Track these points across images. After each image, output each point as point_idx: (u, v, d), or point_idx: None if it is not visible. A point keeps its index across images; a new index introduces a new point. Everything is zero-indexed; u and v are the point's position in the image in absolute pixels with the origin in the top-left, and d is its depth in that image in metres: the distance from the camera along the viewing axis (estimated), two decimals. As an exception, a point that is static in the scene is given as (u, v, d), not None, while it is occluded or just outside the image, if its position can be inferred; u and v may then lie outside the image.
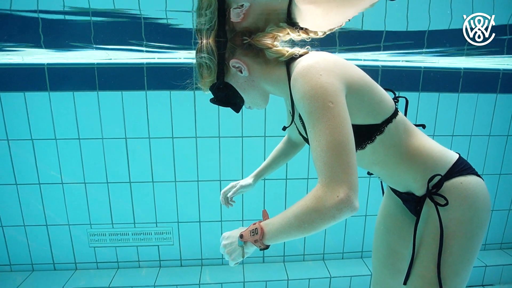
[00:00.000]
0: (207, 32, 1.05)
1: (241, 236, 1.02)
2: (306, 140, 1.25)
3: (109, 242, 2.57)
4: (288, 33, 1.02)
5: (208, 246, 2.66)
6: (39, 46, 2.22)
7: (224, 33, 1.04)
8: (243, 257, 1.02)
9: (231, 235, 1.07)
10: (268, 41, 1.04)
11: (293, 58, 1.03)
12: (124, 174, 2.47)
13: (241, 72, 1.08)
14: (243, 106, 1.21)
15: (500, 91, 2.56)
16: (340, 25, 1.06)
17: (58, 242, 2.55)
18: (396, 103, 1.16)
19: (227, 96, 1.14)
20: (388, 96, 1.08)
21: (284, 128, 1.27)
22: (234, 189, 1.58)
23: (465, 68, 2.51)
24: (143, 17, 2.23)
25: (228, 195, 1.58)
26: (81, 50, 2.28)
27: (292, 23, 1.02)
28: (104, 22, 2.21)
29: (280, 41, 1.07)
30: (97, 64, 2.29)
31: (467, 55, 2.36)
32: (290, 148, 1.61)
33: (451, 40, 2.31)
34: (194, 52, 1.12)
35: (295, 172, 2.56)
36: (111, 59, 2.35)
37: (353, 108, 0.96)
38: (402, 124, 1.09)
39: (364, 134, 1.05)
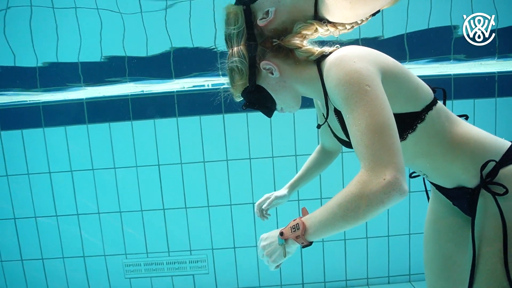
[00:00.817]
0: (237, 39, 1.08)
1: (281, 233, 0.96)
2: (341, 141, 1.21)
3: (144, 272, 2.54)
4: (316, 29, 1.03)
5: (244, 273, 2.55)
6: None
7: (254, 37, 1.06)
8: (284, 256, 0.96)
9: (270, 235, 1.02)
10: (297, 41, 1.05)
11: (323, 56, 1.03)
12: (158, 202, 2.49)
13: (272, 74, 1.08)
14: (276, 110, 1.21)
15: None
16: (368, 17, 1.06)
17: (95, 274, 2.55)
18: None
19: (259, 99, 1.14)
20: (425, 84, 1.04)
21: (319, 126, 1.25)
22: (269, 201, 1.53)
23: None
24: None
25: (263, 207, 1.53)
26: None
27: (319, 19, 1.03)
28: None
29: (309, 40, 1.08)
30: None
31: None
32: (324, 157, 1.56)
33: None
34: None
35: (329, 191, 2.48)
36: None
37: (391, 95, 0.92)
38: (443, 112, 1.04)
39: (405, 123, 1.00)
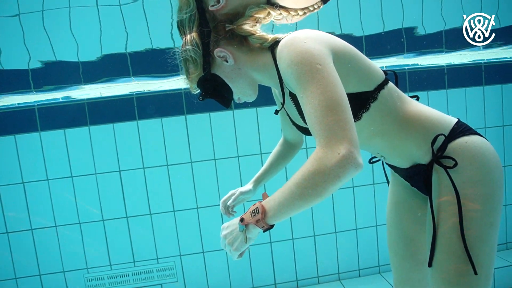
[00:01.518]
0: (189, 26, 1.06)
1: (241, 219, 0.94)
2: (300, 128, 1.21)
3: (108, 286, 2.39)
4: (268, 13, 1.03)
5: (214, 278, 2.48)
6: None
7: (206, 23, 1.04)
8: (246, 242, 0.93)
9: (231, 223, 0.99)
10: (250, 27, 1.05)
11: (277, 43, 1.04)
12: (120, 209, 2.37)
13: (227, 61, 1.07)
14: (233, 99, 1.19)
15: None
16: (320, 4, 1.08)
17: (53, 293, 2.37)
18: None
19: (215, 88, 1.12)
20: (376, 66, 1.07)
21: (276, 112, 1.24)
22: (234, 197, 1.50)
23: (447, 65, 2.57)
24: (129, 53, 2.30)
25: (228, 203, 1.50)
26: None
27: (271, 3, 1.03)
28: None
29: (261, 25, 1.08)
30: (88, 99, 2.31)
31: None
32: (287, 150, 1.56)
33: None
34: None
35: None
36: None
37: (343, 75, 0.94)
38: (395, 91, 1.07)
39: (358, 103, 1.02)
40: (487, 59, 2.61)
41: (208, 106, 2.38)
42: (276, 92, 1.29)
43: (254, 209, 0.91)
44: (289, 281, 2.54)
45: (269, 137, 2.35)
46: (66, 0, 2.13)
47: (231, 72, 1.09)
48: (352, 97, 0.99)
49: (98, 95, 2.32)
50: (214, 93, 1.13)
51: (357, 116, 1.03)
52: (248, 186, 1.53)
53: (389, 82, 1.07)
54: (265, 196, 1.02)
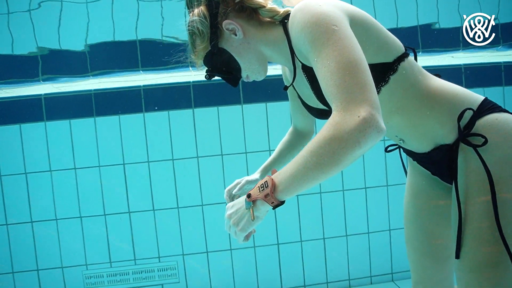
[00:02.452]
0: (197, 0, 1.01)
1: (248, 195, 0.85)
2: (312, 110, 1.14)
3: (107, 284, 2.29)
4: None
5: (218, 279, 2.36)
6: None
7: None
8: (253, 220, 0.84)
9: (236, 202, 0.91)
10: (261, 0, 1.00)
11: (288, 17, 0.98)
12: (123, 204, 2.29)
13: (236, 35, 1.02)
14: (241, 78, 1.12)
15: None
16: None
17: (50, 289, 2.28)
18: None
19: (222, 64, 1.06)
20: (394, 37, 1.00)
21: (286, 88, 1.16)
22: (239, 186, 1.40)
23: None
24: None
25: (233, 192, 1.40)
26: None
27: None
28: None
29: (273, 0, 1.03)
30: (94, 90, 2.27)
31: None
32: (297, 139, 1.48)
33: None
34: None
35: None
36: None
37: (360, 42, 0.87)
38: (416, 65, 1.00)
39: (377, 75, 0.94)
40: (506, 61, 2.52)
41: (216, 100, 2.32)
42: (286, 71, 1.23)
43: (262, 183, 0.82)
44: (297, 286, 2.41)
45: (279, 133, 2.25)
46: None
47: (239, 46, 1.03)
48: (370, 68, 0.92)
49: (105, 87, 2.29)
50: (221, 69, 1.07)
51: (376, 90, 0.95)
52: (255, 175, 1.44)
53: (409, 55, 1.00)
54: (274, 171, 0.94)
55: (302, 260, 2.40)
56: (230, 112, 2.33)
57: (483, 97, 1.01)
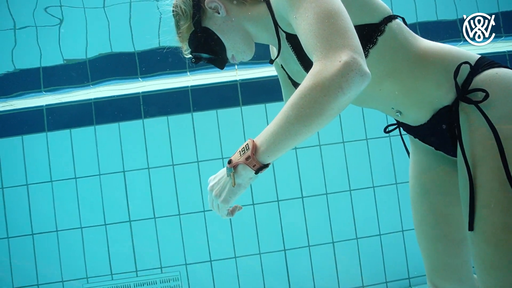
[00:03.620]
0: None
1: (229, 161, 0.80)
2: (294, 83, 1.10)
3: (108, 298, 2.21)
4: None
5: (222, 289, 2.25)
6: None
7: None
8: (233, 185, 0.77)
9: (219, 172, 0.86)
10: None
11: None
12: (123, 213, 2.24)
13: (218, 13, 1.01)
14: (227, 59, 1.09)
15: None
16: None
17: (50, 304, 2.20)
18: None
19: (206, 43, 1.04)
20: (380, 1, 0.96)
21: (271, 61, 1.13)
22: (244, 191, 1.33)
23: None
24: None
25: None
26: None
27: None
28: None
29: None
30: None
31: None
32: None
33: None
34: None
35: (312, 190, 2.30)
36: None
37: (342, 2, 0.83)
38: (405, 28, 0.95)
39: (364, 37, 0.90)
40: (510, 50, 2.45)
41: (215, 103, 2.31)
42: (274, 52, 1.20)
43: (243, 146, 0.78)
44: (307, 294, 2.27)
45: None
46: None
47: (223, 24, 1.01)
48: (356, 30, 0.88)
49: (104, 95, 2.30)
50: (206, 49, 1.05)
51: (364, 53, 0.91)
52: None
53: (398, 18, 0.95)
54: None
55: (311, 266, 2.28)
56: (229, 115, 2.31)
57: (480, 55, 0.95)
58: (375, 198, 2.32)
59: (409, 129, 1.09)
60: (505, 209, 0.78)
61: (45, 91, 2.28)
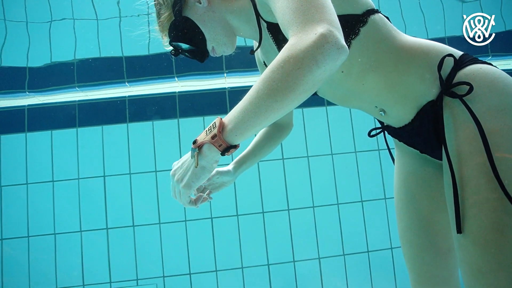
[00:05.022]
0: None
1: (194, 142, 0.74)
2: None
3: (78, 311, 2.07)
4: None
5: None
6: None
7: None
8: (196, 166, 0.71)
9: (184, 156, 0.80)
10: None
11: None
12: (101, 220, 2.14)
13: (200, 3, 0.99)
14: (208, 52, 1.06)
15: None
16: None
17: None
18: None
19: (186, 33, 1.01)
20: None
21: (252, 52, 1.09)
22: (209, 176, 1.25)
23: None
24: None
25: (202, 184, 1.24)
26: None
27: None
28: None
29: None
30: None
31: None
32: (274, 130, 1.35)
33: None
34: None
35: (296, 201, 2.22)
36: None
37: None
38: (388, 22, 0.93)
39: (346, 27, 0.87)
40: None
41: (202, 110, 2.27)
42: (259, 54, 1.17)
43: (210, 125, 0.72)
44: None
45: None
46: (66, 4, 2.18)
47: (204, 14, 0.98)
48: (338, 20, 0.85)
49: (89, 98, 2.26)
50: (185, 39, 1.02)
51: (346, 43, 0.88)
52: (228, 167, 1.30)
53: (381, 13, 0.93)
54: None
55: (295, 282, 2.17)
56: (216, 122, 2.26)
57: (462, 53, 0.92)
58: (363, 213, 2.24)
59: (393, 132, 1.05)
60: (493, 208, 0.72)
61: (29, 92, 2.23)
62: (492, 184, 0.73)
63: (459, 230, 0.77)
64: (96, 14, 2.20)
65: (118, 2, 2.18)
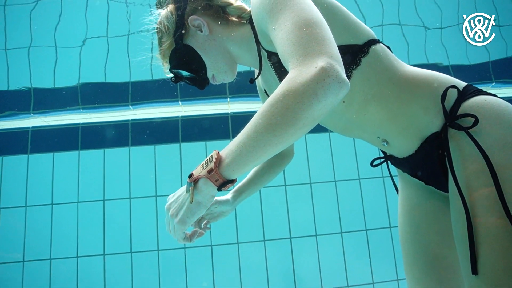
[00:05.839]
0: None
1: (190, 176, 0.71)
2: None
3: None
4: None
5: None
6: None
7: None
8: (191, 202, 0.68)
9: (179, 189, 0.77)
10: None
11: None
12: (99, 244, 2.09)
13: (201, 31, 1.00)
14: (208, 79, 1.06)
15: None
16: None
17: None
18: None
19: (186, 60, 1.02)
20: (365, 25, 0.94)
21: (252, 81, 1.09)
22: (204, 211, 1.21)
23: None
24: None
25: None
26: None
27: None
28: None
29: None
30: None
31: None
32: (275, 159, 1.31)
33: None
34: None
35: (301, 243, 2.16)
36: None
37: (326, 21, 0.82)
38: (390, 53, 0.93)
39: (347, 57, 0.87)
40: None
41: (204, 135, 2.26)
42: (260, 82, 1.17)
43: (207, 159, 0.70)
44: None
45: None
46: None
47: (205, 42, 0.99)
48: (339, 50, 0.85)
49: (93, 120, 2.27)
50: (186, 67, 1.02)
51: (347, 74, 0.87)
52: (227, 196, 1.26)
53: (382, 43, 0.94)
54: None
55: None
56: (218, 147, 2.24)
57: (465, 84, 0.91)
58: (367, 242, 2.17)
59: (397, 162, 1.03)
60: (505, 248, 0.68)
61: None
62: (504, 221, 0.69)
63: (474, 271, 0.73)
64: (107, 39, 2.26)
65: (128, 31, 2.23)
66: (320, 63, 0.59)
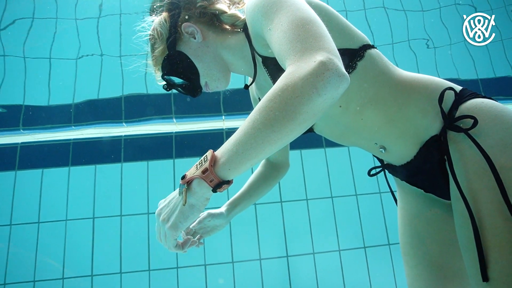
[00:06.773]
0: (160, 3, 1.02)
1: (183, 177, 0.67)
2: None
3: None
4: None
5: None
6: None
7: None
8: (184, 204, 0.63)
9: (171, 194, 0.72)
10: (222, 6, 1.00)
11: None
12: (87, 265, 1.99)
13: (195, 38, 0.99)
14: (201, 87, 1.05)
15: None
16: None
17: None
18: None
19: (179, 67, 1.00)
20: (359, 31, 0.95)
21: (246, 87, 1.07)
22: (199, 219, 1.12)
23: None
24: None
25: (191, 226, 1.11)
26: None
27: None
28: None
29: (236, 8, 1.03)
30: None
31: None
32: (270, 170, 1.29)
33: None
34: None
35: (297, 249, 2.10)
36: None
37: None
38: (384, 57, 0.93)
39: (342, 60, 0.86)
40: None
41: (198, 149, 2.23)
42: (253, 89, 1.16)
43: (201, 159, 0.66)
44: None
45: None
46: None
47: (198, 49, 0.98)
48: None
49: (84, 136, 2.23)
50: (178, 74, 1.00)
51: None
52: (221, 209, 1.21)
53: (376, 48, 0.94)
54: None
55: None
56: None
57: (461, 88, 0.91)
58: (366, 260, 2.11)
59: (395, 170, 1.01)
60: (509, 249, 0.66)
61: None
62: (510, 224, 0.67)
63: (485, 278, 0.69)
64: (101, 51, 2.26)
65: (120, 46, 2.24)
66: (319, 57, 0.58)
